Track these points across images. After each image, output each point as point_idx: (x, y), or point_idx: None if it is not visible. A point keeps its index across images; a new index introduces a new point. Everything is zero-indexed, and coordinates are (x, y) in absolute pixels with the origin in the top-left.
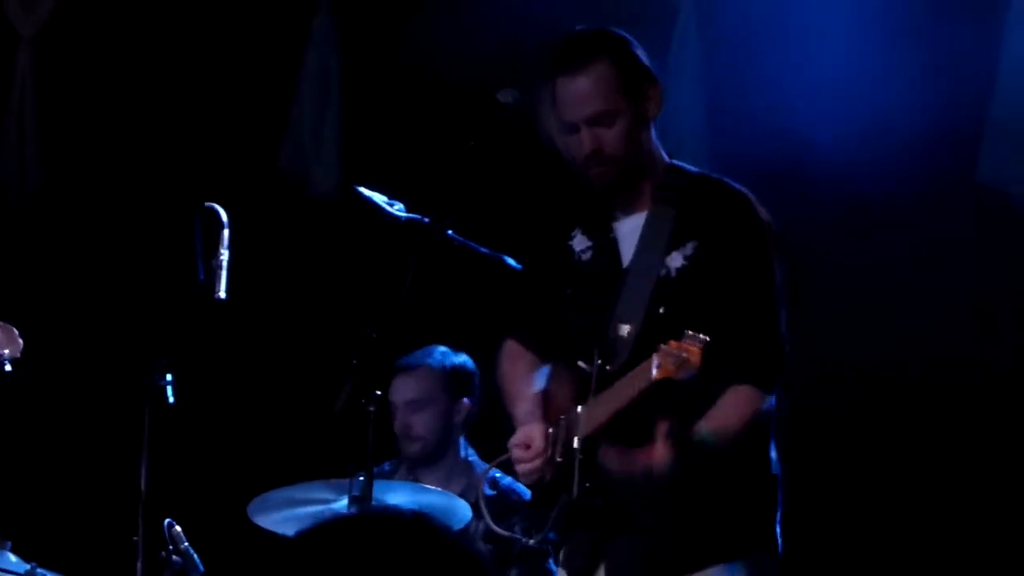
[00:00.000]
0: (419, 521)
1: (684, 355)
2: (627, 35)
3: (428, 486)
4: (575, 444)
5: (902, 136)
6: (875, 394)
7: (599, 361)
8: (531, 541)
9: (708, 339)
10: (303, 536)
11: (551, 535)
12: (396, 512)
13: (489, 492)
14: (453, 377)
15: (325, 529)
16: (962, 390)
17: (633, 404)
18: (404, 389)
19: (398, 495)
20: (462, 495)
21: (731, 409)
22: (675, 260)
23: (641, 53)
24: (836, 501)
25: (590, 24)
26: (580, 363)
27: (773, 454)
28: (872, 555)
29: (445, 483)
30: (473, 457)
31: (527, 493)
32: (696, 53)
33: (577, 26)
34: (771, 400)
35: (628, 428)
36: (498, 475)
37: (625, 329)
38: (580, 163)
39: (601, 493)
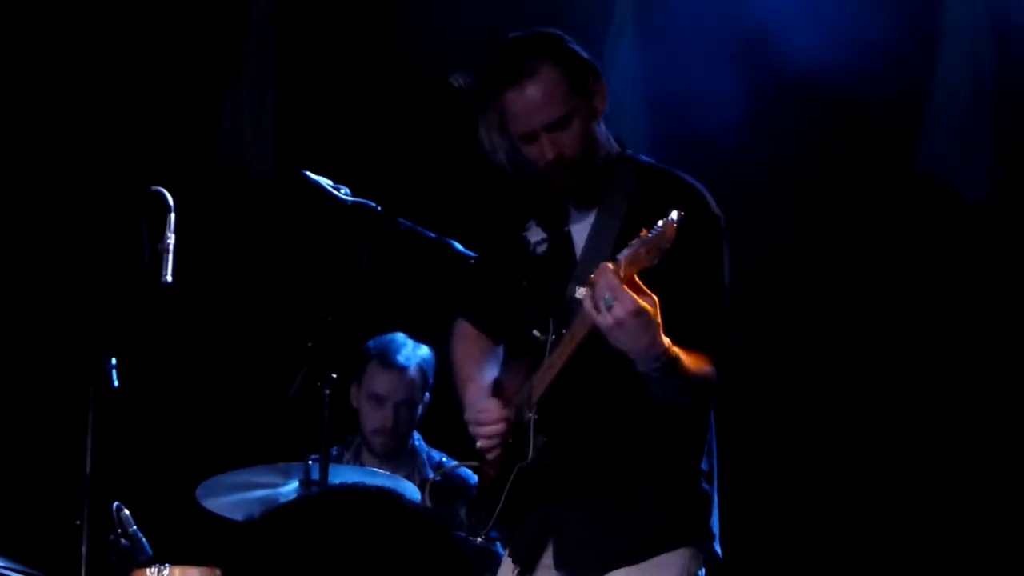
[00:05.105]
0: (384, 495)
1: (651, 236)
2: (561, 33)
3: (376, 469)
4: (530, 410)
5: (840, 126)
6: (812, 381)
7: (553, 335)
8: (477, 540)
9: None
10: (270, 515)
11: (494, 534)
12: (361, 487)
13: (433, 477)
14: (428, 373)
15: (292, 507)
16: (898, 378)
17: (585, 352)
18: (400, 388)
19: (346, 478)
20: (407, 479)
21: (694, 355)
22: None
23: (579, 49)
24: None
25: (522, 29)
26: (535, 332)
27: (713, 444)
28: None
29: (389, 468)
30: (419, 443)
31: (472, 477)
32: (636, 41)
33: (510, 33)
34: (716, 386)
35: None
36: (444, 459)
37: (581, 292)
38: (542, 170)
39: (555, 453)
